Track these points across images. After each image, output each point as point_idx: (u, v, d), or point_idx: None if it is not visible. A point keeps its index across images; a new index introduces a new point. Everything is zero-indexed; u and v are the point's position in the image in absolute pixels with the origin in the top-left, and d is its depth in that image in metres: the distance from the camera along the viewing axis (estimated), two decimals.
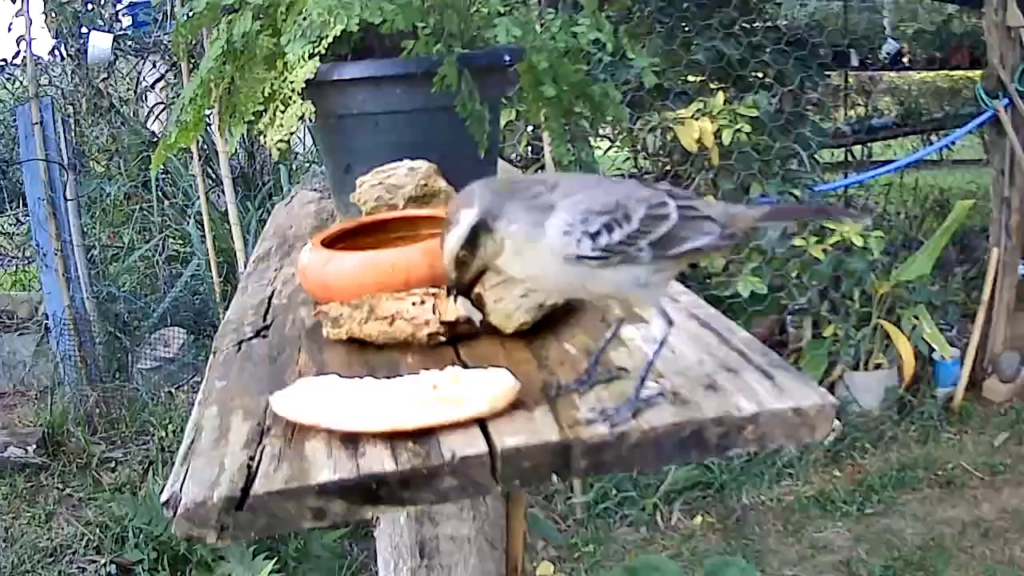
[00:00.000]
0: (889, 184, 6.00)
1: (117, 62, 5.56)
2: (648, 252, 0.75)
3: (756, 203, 4.03)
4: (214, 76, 1.31)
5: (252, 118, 1.29)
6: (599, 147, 4.60)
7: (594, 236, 0.74)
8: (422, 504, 0.67)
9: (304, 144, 5.43)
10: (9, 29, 4.45)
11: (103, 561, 3.18)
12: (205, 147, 4.85)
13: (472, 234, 0.75)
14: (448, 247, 0.77)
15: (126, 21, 5.66)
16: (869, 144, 6.60)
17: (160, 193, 5.23)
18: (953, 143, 5.60)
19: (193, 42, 3.30)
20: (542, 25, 1.45)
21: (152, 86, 5.85)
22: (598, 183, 0.81)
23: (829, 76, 5.89)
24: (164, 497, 0.66)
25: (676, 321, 0.78)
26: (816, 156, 4.40)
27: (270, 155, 4.56)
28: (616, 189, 0.78)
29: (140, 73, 5.80)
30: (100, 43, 5.08)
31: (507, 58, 1.36)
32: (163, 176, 5.21)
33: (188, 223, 4.97)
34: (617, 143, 4.61)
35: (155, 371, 4.38)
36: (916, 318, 4.06)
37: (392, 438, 0.70)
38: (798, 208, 0.84)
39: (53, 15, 4.89)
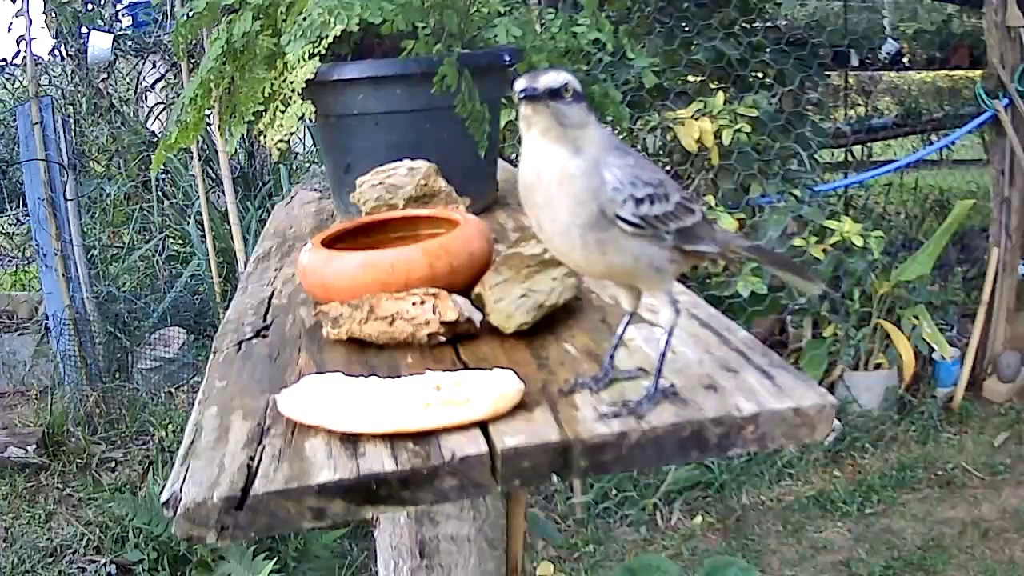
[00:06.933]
0: (889, 184, 6.00)
1: (117, 62, 5.56)
2: (672, 238, 0.76)
3: (756, 202, 4.03)
4: (214, 76, 1.31)
5: (252, 118, 1.30)
6: None
7: (638, 202, 0.74)
8: (422, 504, 0.67)
9: (304, 144, 5.44)
10: (9, 29, 4.45)
11: (103, 561, 3.18)
12: (205, 147, 4.85)
13: (581, 92, 0.74)
14: (559, 71, 0.75)
15: (126, 21, 5.66)
16: (869, 144, 6.59)
17: (160, 193, 5.23)
18: (953, 143, 5.60)
19: (193, 42, 3.29)
20: (542, 25, 1.45)
21: (152, 86, 5.85)
22: (645, 158, 0.82)
23: (829, 76, 5.89)
24: (164, 497, 0.66)
25: (678, 318, 0.78)
26: (816, 156, 4.40)
27: (270, 155, 4.57)
28: (658, 169, 0.79)
29: (140, 73, 5.80)
30: (100, 43, 5.08)
31: (507, 58, 1.36)
32: (163, 176, 5.21)
33: (188, 223, 4.98)
34: None
35: (155, 371, 4.38)
36: (916, 318, 4.06)
37: (392, 438, 0.70)
38: (775, 255, 0.86)
39: (53, 15, 4.89)
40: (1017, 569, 3.10)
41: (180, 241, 5.24)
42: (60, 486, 3.79)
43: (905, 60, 7.27)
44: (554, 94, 0.73)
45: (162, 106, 5.76)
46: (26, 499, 3.72)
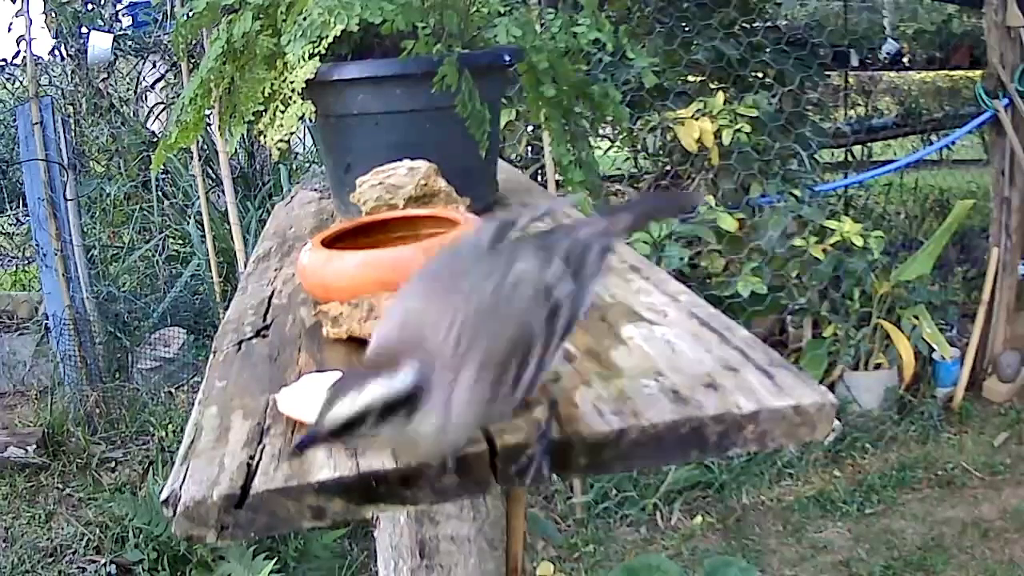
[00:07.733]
0: (889, 184, 6.00)
1: (117, 62, 5.56)
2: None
3: (756, 202, 4.03)
4: (214, 76, 1.31)
5: (252, 118, 1.30)
6: (599, 147, 4.59)
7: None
8: (422, 503, 0.67)
9: (304, 144, 5.43)
10: (9, 29, 4.46)
11: (103, 561, 3.18)
12: (205, 147, 4.85)
13: (393, 404, 0.53)
14: (342, 410, 0.52)
15: (126, 21, 5.66)
16: (869, 144, 6.60)
17: (160, 193, 5.23)
18: (953, 143, 5.60)
19: (193, 42, 3.29)
20: (542, 25, 1.45)
21: (152, 86, 5.85)
22: (499, 301, 0.59)
23: (829, 76, 5.89)
24: (164, 496, 0.66)
25: (676, 320, 0.78)
26: (816, 156, 4.40)
27: (270, 155, 4.56)
28: (514, 312, 0.59)
29: (140, 73, 5.80)
30: (100, 43, 5.08)
31: (507, 58, 1.36)
32: (163, 176, 5.21)
33: (188, 223, 4.98)
34: (617, 143, 4.61)
35: (155, 371, 4.38)
36: (916, 318, 4.06)
37: None
38: (636, 208, 0.67)
39: (53, 15, 4.89)
40: (1017, 569, 3.10)
41: (180, 241, 5.24)
42: (60, 486, 3.79)
43: (905, 60, 7.27)
44: (347, 427, 0.54)
45: (162, 106, 5.76)
46: (26, 499, 3.72)
